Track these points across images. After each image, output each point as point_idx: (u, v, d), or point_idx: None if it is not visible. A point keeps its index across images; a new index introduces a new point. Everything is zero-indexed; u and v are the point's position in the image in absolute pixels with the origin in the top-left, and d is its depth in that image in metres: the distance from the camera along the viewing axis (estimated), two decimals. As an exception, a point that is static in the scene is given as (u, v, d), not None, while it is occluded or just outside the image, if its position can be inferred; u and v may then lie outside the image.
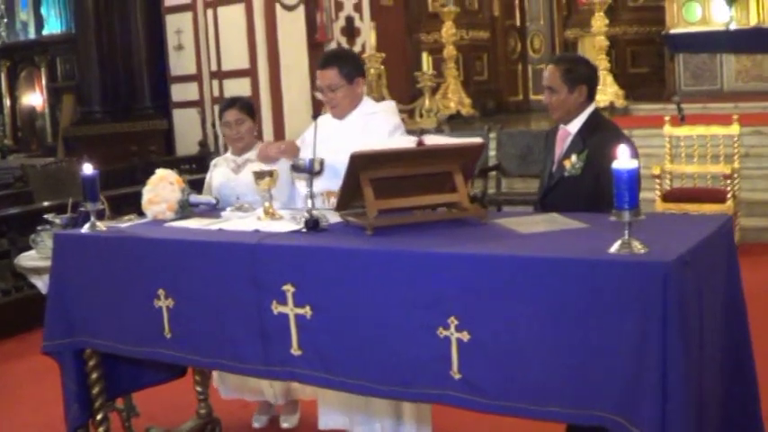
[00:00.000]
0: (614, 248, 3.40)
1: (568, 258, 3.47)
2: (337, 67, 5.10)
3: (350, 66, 5.16)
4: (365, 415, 5.22)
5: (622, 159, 3.34)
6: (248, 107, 5.95)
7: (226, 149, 6.32)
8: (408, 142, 4.25)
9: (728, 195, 9.80)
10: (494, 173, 11.79)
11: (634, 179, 3.36)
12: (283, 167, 5.03)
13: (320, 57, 5.36)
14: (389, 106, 5.38)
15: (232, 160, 5.92)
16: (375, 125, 5.06)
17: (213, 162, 6.16)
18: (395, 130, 5.07)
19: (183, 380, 5.72)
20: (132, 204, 7.63)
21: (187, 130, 15.56)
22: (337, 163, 4.44)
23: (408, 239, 3.98)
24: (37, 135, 20.38)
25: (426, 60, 15.21)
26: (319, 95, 5.21)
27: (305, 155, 4.71)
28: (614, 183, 3.37)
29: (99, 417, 5.18)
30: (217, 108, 14.85)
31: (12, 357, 8.12)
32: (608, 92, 14.69)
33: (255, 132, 6.03)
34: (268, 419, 6.13)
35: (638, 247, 3.38)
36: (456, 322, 3.63)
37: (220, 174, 5.89)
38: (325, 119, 5.24)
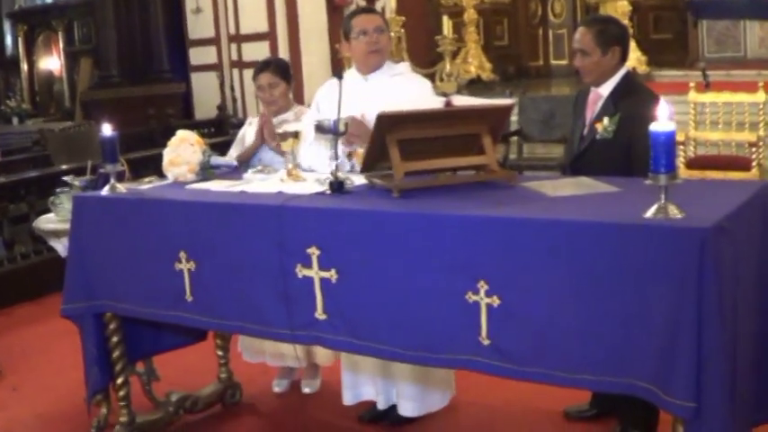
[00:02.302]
0: (650, 213, 3.32)
1: (603, 222, 3.40)
2: (381, 15, 5.25)
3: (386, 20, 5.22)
4: (389, 381, 5.18)
5: (661, 121, 3.24)
6: (282, 70, 5.84)
7: (244, 113, 6.27)
8: (437, 103, 4.16)
9: (753, 163, 9.67)
10: (515, 138, 11.69)
11: (671, 142, 3.28)
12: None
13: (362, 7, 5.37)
14: (408, 67, 5.29)
15: None
16: (415, 86, 4.99)
17: (249, 120, 6.10)
18: (432, 93, 5.00)
19: (203, 344, 5.68)
20: (151, 168, 7.63)
21: (205, 93, 15.49)
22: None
23: (436, 202, 3.90)
24: (55, 99, 20.27)
25: (447, 24, 15.03)
26: (360, 41, 5.07)
27: (328, 115, 4.61)
28: (651, 145, 3.29)
29: (119, 380, 5.17)
30: (235, 72, 14.96)
31: (32, 321, 8.09)
32: (630, 57, 14.32)
33: (291, 94, 5.93)
34: (289, 384, 6.08)
35: (674, 211, 3.30)
36: (486, 287, 3.56)
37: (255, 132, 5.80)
38: (345, 79, 5.16)
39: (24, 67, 20.77)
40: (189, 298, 4.51)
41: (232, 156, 5.65)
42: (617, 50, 4.79)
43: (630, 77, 4.91)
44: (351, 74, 5.14)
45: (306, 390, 6.01)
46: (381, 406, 5.31)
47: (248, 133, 5.89)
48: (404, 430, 5.28)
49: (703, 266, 3.14)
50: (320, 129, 4.44)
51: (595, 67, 4.79)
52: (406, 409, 5.20)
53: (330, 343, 4.13)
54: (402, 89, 4.91)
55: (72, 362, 5.76)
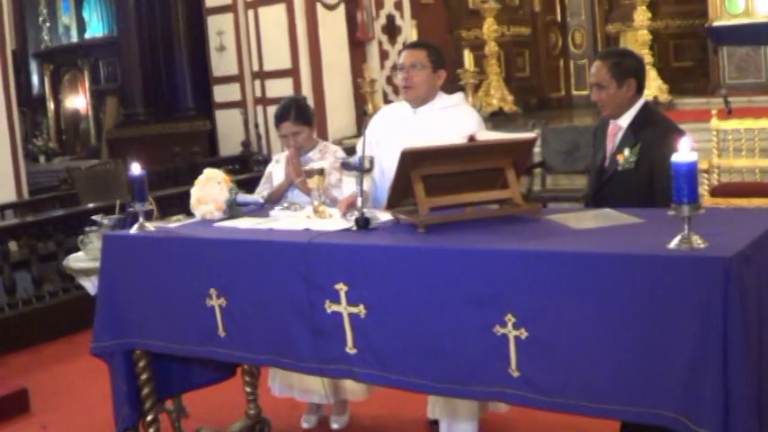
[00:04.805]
0: (674, 243, 3.35)
1: (627, 254, 3.43)
2: (427, 50, 5.18)
3: (437, 55, 5.21)
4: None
5: (682, 152, 3.27)
6: (303, 116, 5.77)
7: (269, 149, 6.28)
8: (460, 138, 4.20)
9: (778, 190, 9.65)
10: (538, 170, 11.70)
11: (693, 172, 3.30)
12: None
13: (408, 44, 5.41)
14: (462, 98, 5.36)
15: None
16: (460, 118, 5.04)
17: (276, 158, 6.11)
18: (480, 124, 5.06)
19: (232, 381, 5.71)
20: (177, 205, 7.69)
21: (230, 130, 15.56)
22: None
23: (461, 236, 3.94)
24: (81, 138, 20.43)
25: (468, 57, 15.12)
26: (398, 77, 5.20)
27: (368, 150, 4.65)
28: (673, 176, 3.31)
29: (149, 418, 5.18)
30: (259, 109, 15.04)
31: (61, 359, 8.14)
32: (652, 86, 14.47)
33: (315, 132, 5.94)
34: (317, 420, 6.09)
35: (698, 241, 3.33)
36: (513, 320, 3.59)
37: (282, 170, 5.83)
38: (392, 112, 5.25)
39: (51, 106, 20.96)
40: (222, 333, 4.55)
41: (261, 194, 5.66)
42: (632, 82, 4.83)
43: (649, 108, 4.95)
44: (402, 105, 5.24)
45: (334, 426, 6.00)
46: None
47: (275, 171, 5.92)
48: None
49: (727, 295, 3.16)
50: (346, 166, 4.49)
51: (612, 99, 4.83)
52: None
53: (361, 377, 4.16)
54: (448, 122, 4.98)
55: (101, 400, 5.81)
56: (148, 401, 5.15)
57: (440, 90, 5.23)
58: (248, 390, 5.89)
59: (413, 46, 5.27)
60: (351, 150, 5.53)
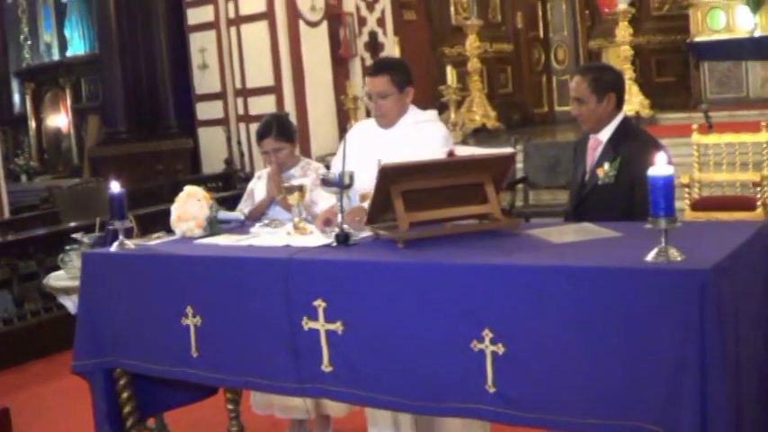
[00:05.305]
0: (651, 257, 3.36)
1: (604, 267, 3.43)
2: (389, 74, 5.06)
3: (401, 73, 5.10)
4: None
5: (659, 166, 3.29)
6: (284, 132, 5.79)
7: (252, 167, 6.27)
8: (439, 153, 4.20)
9: (758, 203, 9.68)
10: (521, 185, 11.72)
11: (670, 186, 3.32)
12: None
13: (372, 64, 5.32)
14: (434, 115, 5.32)
15: None
16: (426, 135, 5.01)
17: (257, 174, 6.11)
18: (446, 141, 5.01)
19: (214, 398, 5.68)
20: (159, 223, 7.64)
21: (213, 148, 15.54)
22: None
23: (440, 252, 3.94)
24: (63, 156, 20.37)
25: (450, 74, 15.14)
26: (366, 102, 5.17)
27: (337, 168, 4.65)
28: (650, 189, 3.33)
29: (130, 437, 5.16)
30: (242, 126, 15.02)
31: (43, 378, 8.11)
32: (633, 101, 14.55)
33: (297, 149, 5.95)
34: (300, 436, 6.08)
35: (675, 254, 3.34)
36: (490, 335, 3.58)
37: (263, 187, 5.83)
38: (365, 128, 5.24)
39: (32, 124, 20.91)
40: (194, 353, 4.52)
41: (243, 211, 5.66)
42: (612, 97, 4.87)
43: (628, 122, 4.99)
44: (369, 123, 5.23)
45: (317, 442, 5.99)
46: None
47: (257, 188, 5.92)
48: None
49: (704, 307, 3.17)
50: (326, 182, 4.49)
51: (592, 114, 4.87)
52: None
53: (336, 395, 4.14)
54: (418, 138, 4.96)
55: (83, 419, 5.75)
56: (130, 420, 5.11)
57: (411, 105, 5.19)
58: (230, 407, 5.87)
59: (374, 73, 5.11)
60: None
